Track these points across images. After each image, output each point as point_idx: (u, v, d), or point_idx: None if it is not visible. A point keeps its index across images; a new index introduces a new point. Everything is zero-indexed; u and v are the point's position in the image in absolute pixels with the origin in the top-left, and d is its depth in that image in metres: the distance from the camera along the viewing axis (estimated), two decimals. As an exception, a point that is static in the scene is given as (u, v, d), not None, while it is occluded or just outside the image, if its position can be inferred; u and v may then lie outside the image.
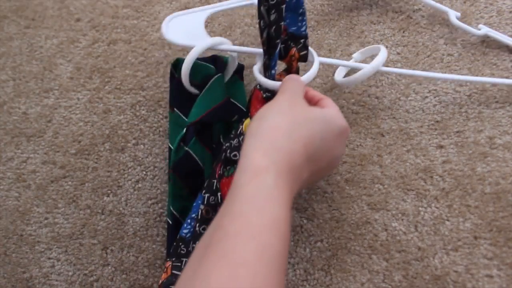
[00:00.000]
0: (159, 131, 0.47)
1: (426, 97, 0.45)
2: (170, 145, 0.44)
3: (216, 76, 0.42)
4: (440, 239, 0.40)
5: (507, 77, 0.45)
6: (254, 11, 0.52)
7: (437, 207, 0.41)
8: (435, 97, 0.45)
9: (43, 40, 0.53)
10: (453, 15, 0.47)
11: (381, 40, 0.48)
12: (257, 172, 0.28)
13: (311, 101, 0.37)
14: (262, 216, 0.26)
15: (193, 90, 0.43)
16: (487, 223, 0.40)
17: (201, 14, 0.45)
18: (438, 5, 0.47)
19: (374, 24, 0.49)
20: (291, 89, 0.34)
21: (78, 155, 0.47)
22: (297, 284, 0.40)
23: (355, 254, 0.41)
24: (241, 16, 0.52)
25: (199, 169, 0.41)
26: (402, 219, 0.41)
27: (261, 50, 0.39)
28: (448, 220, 0.41)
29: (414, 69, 0.47)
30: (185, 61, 0.41)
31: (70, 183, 0.46)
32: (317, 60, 0.40)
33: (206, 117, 0.41)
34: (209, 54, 0.45)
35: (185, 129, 0.41)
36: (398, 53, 0.48)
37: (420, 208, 0.41)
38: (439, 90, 0.46)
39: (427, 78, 0.46)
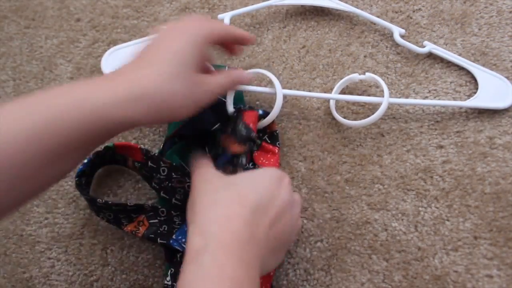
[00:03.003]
0: (159, 131, 0.47)
1: (426, 97, 0.45)
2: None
3: None
4: (440, 239, 0.40)
5: (507, 77, 0.45)
6: (255, 11, 0.52)
7: (437, 207, 0.41)
8: (435, 97, 0.45)
9: (43, 40, 0.53)
10: (397, 33, 0.47)
11: (381, 40, 0.48)
12: (196, 253, 0.26)
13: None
14: None
15: None
16: (487, 223, 0.40)
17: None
18: (382, 22, 0.47)
19: (374, 24, 0.49)
20: (199, 168, 0.34)
21: (78, 155, 0.47)
22: (297, 284, 0.40)
23: (355, 254, 0.41)
24: (241, 16, 0.52)
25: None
26: (402, 219, 0.41)
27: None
28: (448, 220, 0.41)
29: (414, 69, 0.47)
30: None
31: (70, 183, 0.46)
32: (280, 93, 0.41)
33: (182, 129, 0.41)
34: None
35: (163, 144, 0.42)
36: (398, 53, 0.48)
37: (420, 208, 0.41)
38: (439, 90, 0.46)
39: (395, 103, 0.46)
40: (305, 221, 0.42)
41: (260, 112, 0.42)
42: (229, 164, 0.38)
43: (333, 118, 0.45)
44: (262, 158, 0.43)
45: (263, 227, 0.28)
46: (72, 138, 0.27)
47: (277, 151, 0.43)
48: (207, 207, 0.29)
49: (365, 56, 0.48)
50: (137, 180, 0.46)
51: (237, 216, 0.28)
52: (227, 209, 0.28)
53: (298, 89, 0.47)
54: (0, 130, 0.25)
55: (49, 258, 0.44)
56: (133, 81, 0.29)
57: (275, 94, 0.41)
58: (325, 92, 0.47)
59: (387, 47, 0.48)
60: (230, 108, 0.41)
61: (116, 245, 0.44)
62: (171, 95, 0.30)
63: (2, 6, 0.56)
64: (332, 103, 0.45)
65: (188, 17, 0.34)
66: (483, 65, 0.46)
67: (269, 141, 0.44)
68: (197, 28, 0.33)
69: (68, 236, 0.44)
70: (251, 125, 0.40)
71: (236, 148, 0.38)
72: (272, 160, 0.43)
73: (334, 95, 0.44)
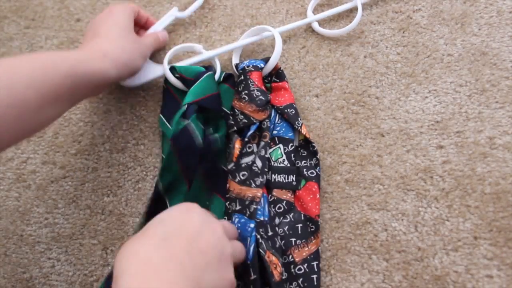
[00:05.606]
0: (159, 131, 0.47)
1: (426, 97, 0.45)
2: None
3: (208, 72, 0.44)
4: (440, 239, 0.40)
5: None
6: (255, 11, 0.52)
7: (437, 207, 0.41)
8: (435, 97, 0.45)
9: (43, 40, 0.53)
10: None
11: (381, 40, 0.48)
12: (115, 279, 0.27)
13: None
14: None
15: (178, 84, 0.45)
16: (487, 223, 0.40)
17: None
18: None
19: (374, 24, 0.49)
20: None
21: (78, 155, 0.47)
22: (297, 284, 0.40)
23: (355, 254, 0.41)
24: (241, 16, 0.52)
25: (195, 146, 0.40)
26: (402, 219, 0.41)
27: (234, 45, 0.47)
28: (448, 220, 0.41)
29: (414, 69, 0.47)
30: (167, 55, 0.47)
31: (70, 183, 0.46)
32: (277, 34, 0.45)
33: (203, 101, 0.42)
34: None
35: (185, 106, 0.41)
36: (398, 53, 0.48)
37: (420, 208, 0.41)
38: (439, 90, 0.46)
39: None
40: (305, 221, 0.42)
41: (262, 64, 0.45)
42: (258, 131, 0.43)
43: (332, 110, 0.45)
44: (277, 98, 0.45)
45: (179, 247, 0.30)
46: (62, 85, 0.35)
47: (287, 85, 0.45)
48: (124, 256, 0.30)
49: (365, 56, 0.48)
50: (137, 180, 0.46)
51: (146, 246, 0.30)
52: (137, 245, 0.30)
53: (297, 90, 0.47)
54: (2, 77, 0.32)
55: (49, 258, 0.44)
56: (94, 47, 0.40)
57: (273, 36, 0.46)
58: (324, 91, 0.47)
59: (387, 47, 0.48)
60: (236, 60, 0.48)
61: (116, 245, 0.44)
62: (122, 51, 0.41)
63: (2, 6, 0.56)
64: (314, 24, 0.49)
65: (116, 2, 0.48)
66: (483, 65, 0.46)
67: (277, 80, 0.46)
68: (127, 6, 0.46)
69: (68, 236, 0.44)
70: (262, 87, 0.44)
71: (260, 115, 0.43)
72: (286, 95, 0.45)
73: (312, 17, 0.49)
